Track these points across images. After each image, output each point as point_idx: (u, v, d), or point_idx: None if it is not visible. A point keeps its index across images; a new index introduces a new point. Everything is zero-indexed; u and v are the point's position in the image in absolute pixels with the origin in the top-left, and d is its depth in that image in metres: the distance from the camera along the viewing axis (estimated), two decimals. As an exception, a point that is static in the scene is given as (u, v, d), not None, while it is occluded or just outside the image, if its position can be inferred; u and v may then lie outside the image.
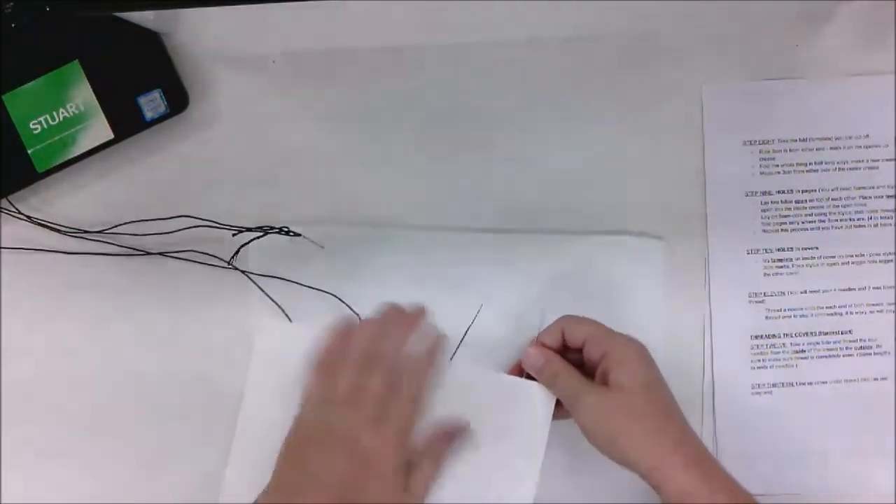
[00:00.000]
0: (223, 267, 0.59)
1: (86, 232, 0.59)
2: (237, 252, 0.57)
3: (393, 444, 0.47)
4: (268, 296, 0.58)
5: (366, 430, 0.47)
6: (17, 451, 0.58)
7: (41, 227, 0.59)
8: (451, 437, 0.51)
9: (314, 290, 0.58)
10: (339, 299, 0.58)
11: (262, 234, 0.57)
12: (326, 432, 0.47)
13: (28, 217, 0.59)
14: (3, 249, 0.59)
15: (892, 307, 0.60)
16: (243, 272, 0.58)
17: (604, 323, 0.53)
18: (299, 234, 0.58)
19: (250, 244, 0.58)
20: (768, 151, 0.60)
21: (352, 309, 0.58)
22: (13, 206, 0.59)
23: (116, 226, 0.59)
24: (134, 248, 0.59)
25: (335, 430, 0.47)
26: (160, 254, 0.59)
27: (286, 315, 0.58)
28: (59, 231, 0.59)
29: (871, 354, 0.60)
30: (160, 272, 0.59)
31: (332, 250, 0.59)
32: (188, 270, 0.59)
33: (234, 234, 0.57)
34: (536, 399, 0.53)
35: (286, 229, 0.57)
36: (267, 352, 0.56)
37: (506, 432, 0.53)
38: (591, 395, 0.51)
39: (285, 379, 0.51)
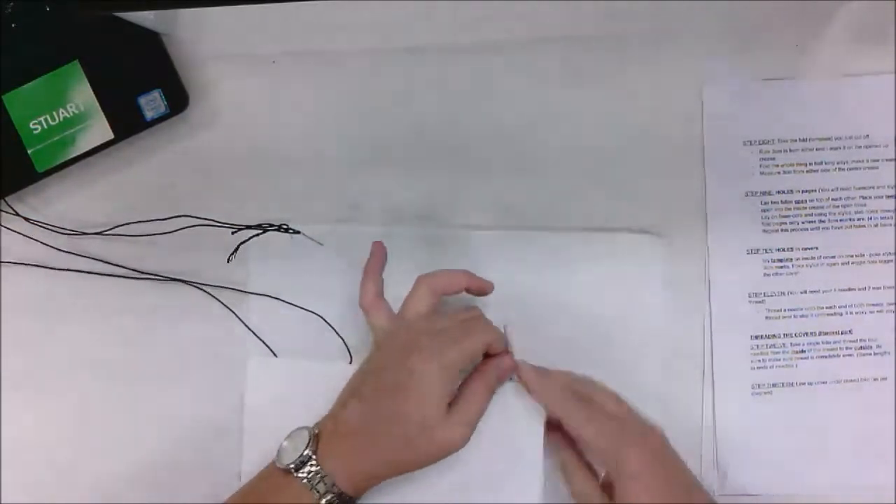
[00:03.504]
0: (211, 286, 0.59)
1: (83, 233, 0.59)
2: (236, 250, 0.57)
3: (438, 372, 0.49)
4: (252, 331, 0.59)
5: (417, 354, 0.50)
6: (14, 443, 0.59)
7: (39, 229, 0.59)
8: (493, 376, 0.52)
9: (310, 289, 0.59)
10: (325, 321, 0.59)
11: (260, 231, 0.57)
12: (393, 346, 0.52)
13: (26, 219, 0.59)
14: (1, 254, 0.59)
15: (892, 307, 0.60)
16: (226, 305, 0.59)
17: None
18: (298, 232, 0.57)
19: (250, 242, 0.58)
20: (768, 151, 0.60)
21: (338, 333, 0.58)
22: (11, 209, 0.59)
23: (114, 227, 0.59)
24: (126, 267, 0.59)
25: (399, 345, 0.51)
26: (150, 277, 0.59)
27: (266, 345, 0.59)
28: (56, 232, 0.59)
29: (871, 354, 0.60)
30: (153, 285, 0.59)
31: (331, 247, 0.59)
32: (173, 284, 0.59)
33: (233, 233, 0.57)
34: (526, 402, 0.53)
35: (285, 227, 0.57)
36: (259, 388, 0.58)
37: (503, 437, 0.53)
38: None
39: (280, 413, 0.53)
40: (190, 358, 0.59)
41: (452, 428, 0.49)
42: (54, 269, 0.59)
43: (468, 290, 0.55)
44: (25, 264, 0.59)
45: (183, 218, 0.58)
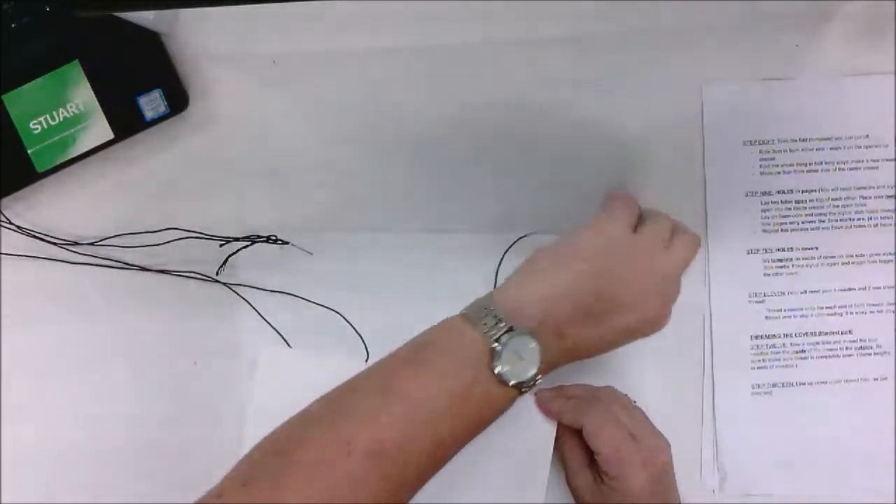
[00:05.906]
0: (218, 282, 0.59)
1: (75, 243, 0.59)
2: (224, 262, 0.57)
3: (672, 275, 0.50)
4: (266, 321, 0.59)
5: (646, 258, 0.50)
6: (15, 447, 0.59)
7: (31, 238, 0.59)
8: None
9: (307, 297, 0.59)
10: (342, 316, 0.58)
11: (249, 243, 0.57)
12: (615, 247, 0.51)
13: (18, 227, 0.58)
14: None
15: (892, 307, 0.60)
16: (230, 286, 0.58)
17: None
18: (287, 243, 0.57)
19: (239, 253, 0.57)
20: (768, 151, 0.60)
21: (354, 327, 0.58)
22: (4, 216, 0.58)
23: (104, 239, 0.59)
24: (127, 264, 0.59)
25: (624, 249, 0.50)
26: (156, 270, 0.59)
27: (281, 335, 0.59)
28: (49, 242, 0.59)
29: (871, 354, 0.60)
30: (153, 286, 0.59)
31: (321, 256, 0.59)
32: (182, 284, 0.59)
33: (221, 245, 0.57)
34: (538, 418, 0.53)
35: (273, 237, 0.57)
36: (269, 378, 0.57)
37: (511, 449, 0.53)
38: None
39: (288, 405, 0.52)
40: (192, 356, 0.59)
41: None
42: (51, 259, 0.59)
43: None
44: (21, 255, 0.59)
45: (172, 231, 0.58)
